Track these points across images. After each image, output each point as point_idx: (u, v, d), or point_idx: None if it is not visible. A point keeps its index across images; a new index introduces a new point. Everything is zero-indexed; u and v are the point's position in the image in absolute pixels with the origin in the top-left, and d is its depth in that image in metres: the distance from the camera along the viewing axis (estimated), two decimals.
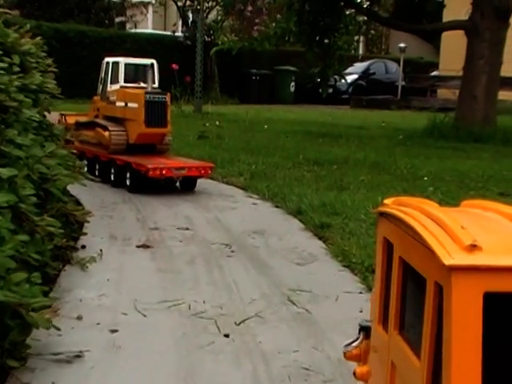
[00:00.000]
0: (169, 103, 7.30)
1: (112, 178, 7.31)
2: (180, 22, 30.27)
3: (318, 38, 12.34)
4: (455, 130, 11.86)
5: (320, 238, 5.40)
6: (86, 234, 5.00)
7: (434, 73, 29.60)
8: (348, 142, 11.38)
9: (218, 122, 13.79)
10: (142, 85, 7.48)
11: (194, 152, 9.78)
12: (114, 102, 7.49)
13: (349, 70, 28.71)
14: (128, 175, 7.02)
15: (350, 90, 30.17)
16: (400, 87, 27.58)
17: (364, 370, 1.49)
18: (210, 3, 27.27)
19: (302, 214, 6.10)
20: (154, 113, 7.16)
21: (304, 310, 3.80)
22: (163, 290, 4.07)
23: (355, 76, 30.44)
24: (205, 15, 25.47)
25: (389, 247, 1.31)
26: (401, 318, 1.26)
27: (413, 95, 26.39)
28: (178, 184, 7.27)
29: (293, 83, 29.38)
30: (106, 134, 7.40)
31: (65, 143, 6.94)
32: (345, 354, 1.58)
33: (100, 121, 7.67)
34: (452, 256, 0.97)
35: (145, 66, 7.49)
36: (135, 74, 7.68)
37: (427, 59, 34.67)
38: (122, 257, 4.73)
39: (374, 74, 31.58)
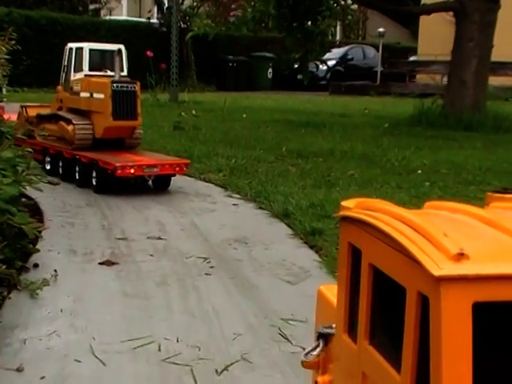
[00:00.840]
0: (138, 93, 6.48)
1: (77, 177, 6.49)
2: (155, 9, 29.46)
3: (298, 22, 11.52)
4: (444, 117, 11.11)
5: (311, 247, 4.64)
6: (38, 250, 4.19)
7: (413, 58, 28.90)
8: (332, 131, 10.60)
9: (194, 112, 12.95)
10: (109, 73, 6.66)
11: (169, 145, 8.98)
12: (77, 93, 6.66)
13: (326, 55, 28.08)
14: (94, 174, 6.21)
15: (328, 76, 29.54)
16: (379, 73, 26.87)
17: (326, 379, 1.44)
18: None
19: (289, 217, 5.34)
20: (123, 104, 6.34)
21: (301, 349, 3.04)
22: (128, 323, 3.29)
23: (333, 62, 29.69)
24: (180, 1, 24.57)
25: (355, 253, 1.24)
26: (372, 327, 1.19)
27: (391, 81, 25.72)
28: (150, 183, 6.47)
29: (270, 70, 28.77)
30: (70, 128, 6.57)
31: (19, 140, 6.14)
32: (303, 362, 1.47)
33: (63, 113, 6.83)
34: (440, 266, 0.92)
35: (112, 51, 6.65)
36: (101, 60, 6.85)
37: (404, 44, 34.05)
38: (81, 277, 3.94)
39: (351, 59, 30.85)
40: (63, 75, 6.92)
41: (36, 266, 4.05)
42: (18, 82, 21.70)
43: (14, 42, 14.77)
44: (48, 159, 6.98)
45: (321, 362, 1.47)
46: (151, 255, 4.40)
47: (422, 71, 24.52)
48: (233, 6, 27.06)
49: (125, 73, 6.69)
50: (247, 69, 27.69)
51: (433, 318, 0.93)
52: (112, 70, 6.59)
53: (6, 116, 8.11)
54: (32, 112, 7.38)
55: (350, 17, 17.38)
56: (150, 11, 29.74)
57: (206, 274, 4.06)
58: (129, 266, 4.16)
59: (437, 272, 0.91)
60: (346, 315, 1.30)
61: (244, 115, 13.11)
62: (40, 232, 4.37)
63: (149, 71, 17.19)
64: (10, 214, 3.84)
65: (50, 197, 5.89)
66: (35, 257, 4.16)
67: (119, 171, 5.88)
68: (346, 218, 1.27)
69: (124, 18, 30.07)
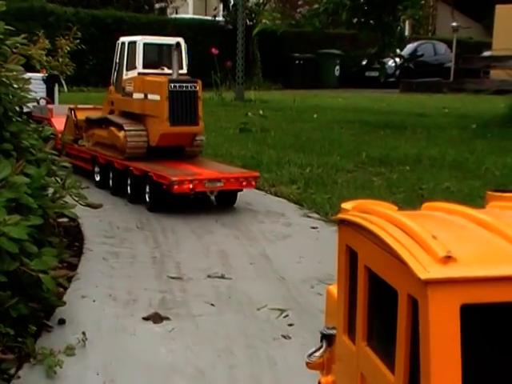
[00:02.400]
0: (200, 93, 5.43)
1: (128, 192, 5.48)
2: (221, 6, 28.64)
3: (374, 14, 10.29)
4: None
5: None
6: (64, 303, 3.15)
7: (487, 53, 27.18)
8: (414, 134, 9.36)
9: (261, 112, 11.89)
10: (166, 71, 5.63)
11: (235, 150, 7.93)
12: (130, 94, 5.65)
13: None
14: (147, 189, 5.19)
15: (397, 73, 28.12)
16: (453, 69, 25.31)
17: (329, 379, 1.43)
18: None
19: None
20: (181, 107, 5.31)
21: None
22: None
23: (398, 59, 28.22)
24: None
25: (352, 255, 1.23)
26: (369, 328, 1.17)
27: (464, 77, 24.15)
28: (212, 198, 5.42)
29: (337, 67, 27.61)
30: (121, 134, 5.57)
31: (66, 146, 5.19)
32: (307, 363, 1.47)
33: (114, 117, 5.83)
34: (427, 269, 0.91)
35: (169, 46, 5.61)
36: (157, 56, 5.82)
37: (477, 39, 32.27)
38: (119, 342, 2.89)
39: (421, 55, 29.27)
40: (114, 74, 5.93)
41: (62, 322, 3.03)
42: (84, 81, 21.22)
43: (78, 41, 13.94)
44: (97, 169, 6.00)
45: (325, 362, 1.44)
46: (212, 305, 3.33)
47: (498, 67, 22.84)
48: (300, 3, 25.87)
49: (184, 70, 5.66)
50: (314, 66, 26.62)
51: (421, 320, 0.92)
52: (170, 68, 5.56)
53: (53, 119, 7.22)
54: (81, 115, 6.42)
55: (420, 12, 16.06)
56: (215, 9, 28.88)
57: (284, 336, 2.98)
58: (182, 322, 3.10)
59: (423, 275, 0.90)
60: (346, 317, 1.28)
61: (315, 115, 11.96)
62: (70, 279, 3.35)
63: (214, 69, 16.26)
64: (26, 258, 2.82)
65: (96, 216, 4.90)
66: (62, 308, 3.15)
67: (176, 187, 4.84)
68: (343, 221, 1.25)
69: (190, 16, 29.29)
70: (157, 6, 29.56)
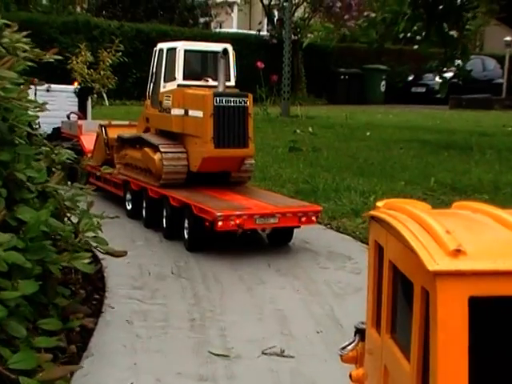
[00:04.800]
0: (250, 110, 4.46)
1: (164, 225, 4.53)
2: (265, 21, 27.87)
3: (436, 24, 9.21)
4: None
5: None
6: None
7: None
8: (483, 155, 8.25)
9: (310, 129, 10.89)
10: (211, 82, 4.68)
11: (285, 172, 6.95)
12: (168, 109, 4.71)
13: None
14: (186, 223, 4.23)
15: None
16: (505, 85, 24.04)
17: (360, 372, 1.42)
18: (297, 0, 24.66)
19: None
20: (229, 125, 4.35)
21: None
22: None
23: (450, 74, 27.05)
24: (291, 12, 22.67)
25: (379, 251, 1.25)
26: (392, 321, 1.19)
27: None
28: (264, 236, 4.44)
29: (383, 82, 26.60)
30: (156, 157, 4.62)
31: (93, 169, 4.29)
32: (341, 356, 1.48)
33: (149, 137, 4.88)
34: (436, 261, 0.92)
35: (215, 53, 4.66)
36: (201, 66, 4.88)
37: None
38: None
39: (470, 71, 28.02)
40: (151, 86, 4.99)
41: None
42: (127, 95, 20.50)
43: (120, 53, 13.06)
44: (129, 197, 5.07)
45: (359, 356, 1.45)
46: None
47: None
48: (346, 17, 24.85)
49: (232, 82, 4.72)
50: (359, 81, 25.68)
51: (431, 310, 0.93)
52: (215, 79, 4.61)
53: (83, 137, 6.32)
54: (114, 132, 5.49)
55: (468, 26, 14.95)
56: (260, 23, 28.09)
57: None
58: None
59: (432, 267, 0.91)
60: (374, 311, 1.29)
61: (368, 133, 10.91)
62: (72, 374, 2.38)
63: (259, 83, 15.34)
64: (6, 347, 1.88)
65: (124, 257, 3.96)
66: None
67: (221, 223, 3.88)
68: (373, 218, 1.27)
69: (234, 30, 28.53)
70: (201, 20, 28.90)
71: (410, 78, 27.76)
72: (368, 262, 1.31)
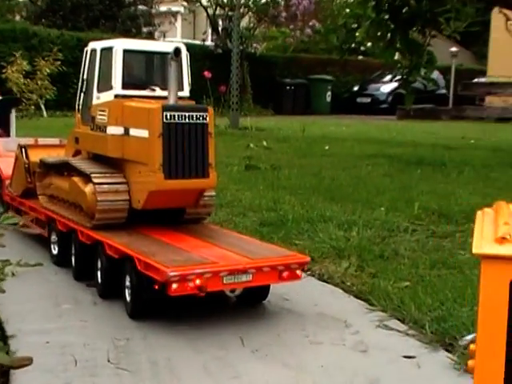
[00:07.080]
0: (211, 128, 3.32)
1: (99, 280, 3.34)
2: (210, 31, 26.85)
3: (400, 31, 8.23)
4: None
5: None
6: None
7: (482, 79, 25.45)
8: (460, 173, 7.28)
9: (264, 143, 9.81)
10: (159, 93, 3.53)
11: (245, 196, 5.84)
12: (103, 127, 3.53)
13: (387, 77, 25.21)
14: (128, 281, 3.06)
15: (390, 99, 26.46)
16: (451, 96, 23.54)
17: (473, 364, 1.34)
18: (242, 10, 23.65)
19: None
20: (183, 149, 3.21)
21: None
22: None
23: (395, 84, 26.51)
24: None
25: None
26: None
27: (460, 104, 22.44)
28: (233, 295, 3.30)
29: (329, 93, 25.89)
30: (88, 189, 3.43)
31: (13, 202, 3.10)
32: (463, 347, 1.58)
33: (78, 162, 3.67)
34: (482, 246, 0.98)
35: (163, 54, 3.51)
36: (146, 71, 3.71)
37: (467, 66, 30.61)
38: None
39: (414, 81, 27.47)
40: (81, 96, 3.79)
41: None
42: (68, 106, 19.07)
43: (59, 62, 11.66)
44: (55, 238, 3.86)
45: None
46: None
47: (500, 94, 21.03)
48: (291, 27, 23.92)
49: (186, 92, 3.58)
50: (305, 92, 24.92)
51: (478, 292, 0.97)
52: (164, 88, 3.46)
53: (1, 159, 5.07)
54: (37, 155, 4.26)
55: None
56: (204, 33, 27.04)
57: None
58: None
59: (476, 250, 0.98)
60: None
61: (326, 147, 9.87)
62: None
63: (206, 94, 14.20)
64: None
65: (44, 332, 2.78)
66: None
67: (175, 286, 2.73)
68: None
69: (178, 39, 27.37)
70: (144, 29, 27.66)
71: (355, 89, 27.18)
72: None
